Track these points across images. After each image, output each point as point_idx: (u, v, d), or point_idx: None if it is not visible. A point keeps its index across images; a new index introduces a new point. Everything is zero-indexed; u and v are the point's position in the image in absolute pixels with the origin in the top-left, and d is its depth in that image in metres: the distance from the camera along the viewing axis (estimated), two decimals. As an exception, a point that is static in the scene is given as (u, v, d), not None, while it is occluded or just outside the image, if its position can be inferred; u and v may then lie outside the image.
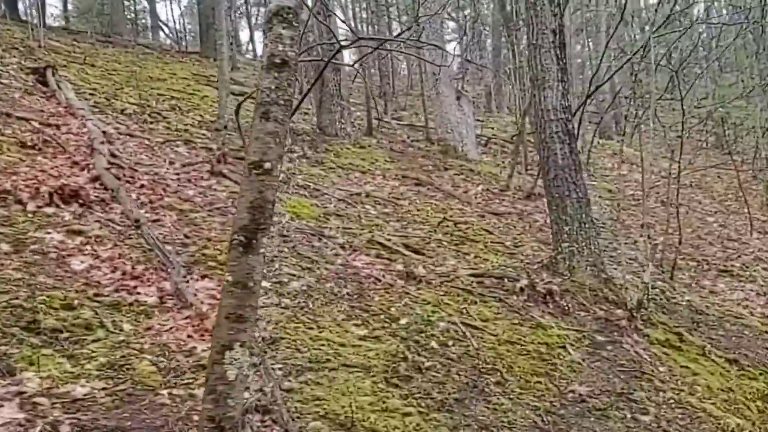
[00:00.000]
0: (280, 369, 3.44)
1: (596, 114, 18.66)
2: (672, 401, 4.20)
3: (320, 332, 3.95)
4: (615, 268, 7.19)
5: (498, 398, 3.71)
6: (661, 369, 4.61)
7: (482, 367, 4.03)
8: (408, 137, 13.61)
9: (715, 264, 8.75)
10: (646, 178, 13.69)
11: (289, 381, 3.33)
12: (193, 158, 7.56)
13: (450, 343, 4.24)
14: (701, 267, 8.62)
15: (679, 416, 4.05)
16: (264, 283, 4.48)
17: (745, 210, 11.58)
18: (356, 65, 12.03)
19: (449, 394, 3.62)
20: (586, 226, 5.85)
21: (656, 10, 9.95)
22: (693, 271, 8.41)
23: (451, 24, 27.07)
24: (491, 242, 7.07)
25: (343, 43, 6.88)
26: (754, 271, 8.83)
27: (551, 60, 5.92)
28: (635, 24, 18.54)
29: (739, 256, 9.32)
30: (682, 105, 7.28)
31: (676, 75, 7.18)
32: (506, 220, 8.43)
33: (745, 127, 15.46)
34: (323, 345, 3.79)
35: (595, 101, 18.49)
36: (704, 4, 20.05)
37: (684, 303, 6.41)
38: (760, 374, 5.12)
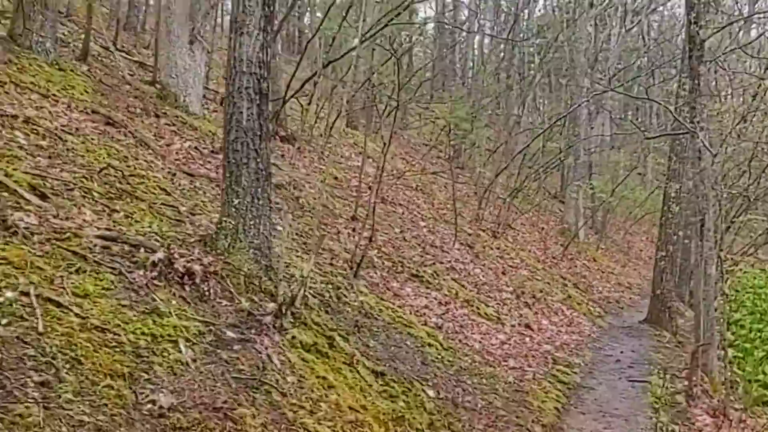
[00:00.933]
0: None
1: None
2: (283, 421, 3.52)
3: None
4: (300, 257, 6.57)
5: (27, 407, 2.66)
6: (289, 379, 3.93)
7: (35, 360, 2.95)
8: (133, 74, 11.93)
9: (409, 267, 8.62)
10: (376, 174, 13.65)
11: None
12: None
13: (5, 321, 3.09)
14: (395, 269, 8.42)
15: (283, 441, 3.37)
16: None
17: (457, 221, 11.92)
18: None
19: (-54, 396, 2.50)
20: (260, 202, 5.05)
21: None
22: (386, 272, 8.16)
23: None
24: (162, 204, 5.97)
25: None
26: (443, 279, 8.88)
27: (256, 2, 5.02)
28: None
29: (434, 264, 9.36)
30: (397, 97, 6.89)
31: (398, 62, 6.78)
32: (199, 183, 7.41)
33: (468, 141, 16.20)
34: None
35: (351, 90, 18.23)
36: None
37: (356, 304, 5.95)
38: (403, 392, 4.73)
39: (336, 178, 12.18)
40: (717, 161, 9.82)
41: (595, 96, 15.55)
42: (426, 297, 7.96)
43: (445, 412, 4.89)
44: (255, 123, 5.08)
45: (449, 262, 10.01)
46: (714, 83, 12.61)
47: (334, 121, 14.74)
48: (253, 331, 4.19)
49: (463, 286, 9.17)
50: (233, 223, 4.94)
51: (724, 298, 10.66)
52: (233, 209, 4.98)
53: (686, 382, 7.69)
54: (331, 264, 6.84)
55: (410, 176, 14.02)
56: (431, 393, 4.98)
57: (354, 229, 9.07)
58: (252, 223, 4.99)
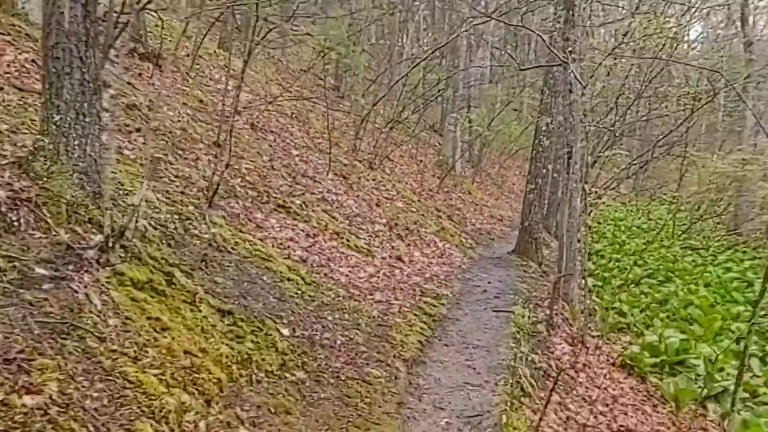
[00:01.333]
0: None
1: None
2: (97, 371, 3.03)
3: None
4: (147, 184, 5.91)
5: None
6: (111, 322, 3.42)
7: None
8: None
9: (276, 198, 8.14)
10: (251, 99, 12.89)
11: None
12: None
13: None
14: (260, 198, 7.92)
15: (94, 394, 2.89)
16: None
17: (332, 150, 11.48)
18: None
19: None
20: (87, 119, 4.37)
21: None
22: (250, 202, 7.64)
23: None
24: (-25, 121, 5.12)
25: None
26: (313, 211, 8.49)
27: None
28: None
29: (304, 194, 8.92)
30: (257, 10, 6.23)
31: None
32: (31, 99, 6.48)
33: (344, 66, 15.60)
34: None
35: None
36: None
37: (207, 236, 5.43)
38: (252, 332, 4.34)
39: (201, 101, 11.31)
40: (586, 95, 9.92)
41: (474, 26, 15.35)
42: (292, 229, 7.54)
43: (299, 351, 4.56)
44: (80, 26, 4.33)
45: (321, 192, 9.61)
46: (588, 18, 12.71)
47: (202, 39, 13.67)
48: (70, 267, 3.62)
49: (334, 217, 8.83)
50: (53, 142, 4.25)
51: (587, 230, 11.02)
52: (53, 126, 4.27)
53: (548, 312, 7.85)
54: (183, 192, 6.24)
55: (284, 102, 13.32)
56: (285, 331, 4.63)
57: (215, 156, 8.42)
58: (77, 143, 4.31)
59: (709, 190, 19.50)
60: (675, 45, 16.58)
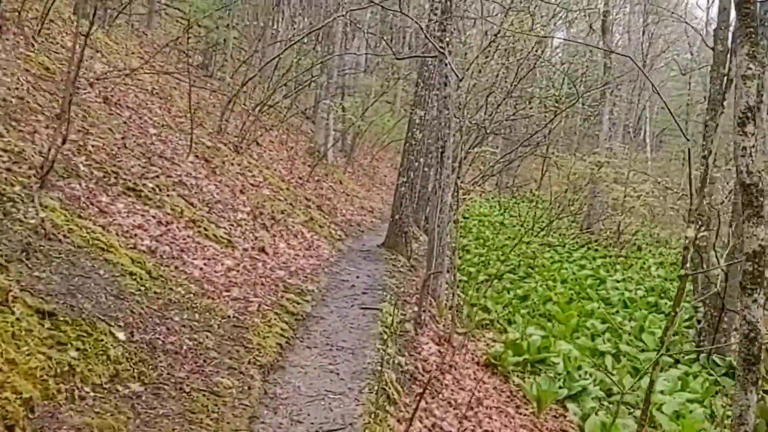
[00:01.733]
0: None
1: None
2: None
3: None
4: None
5: None
6: None
7: None
8: None
9: (125, 179, 7.33)
10: (107, 70, 11.75)
11: None
12: None
13: None
14: (107, 180, 7.08)
15: None
16: None
17: (195, 131, 10.68)
18: None
19: None
20: None
21: None
22: (94, 183, 6.80)
23: None
24: None
25: None
26: (168, 195, 7.75)
27: None
28: None
29: (159, 177, 8.14)
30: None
31: None
32: None
33: (211, 40, 14.75)
34: None
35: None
36: None
37: (33, 221, 4.65)
38: (79, 337, 3.70)
39: (47, 69, 10.11)
40: (461, 89, 9.84)
41: (351, 11, 14.98)
42: (142, 215, 6.80)
43: (137, 359, 3.95)
44: None
45: (179, 176, 8.83)
46: (464, 12, 12.71)
47: (53, 2, 12.29)
48: None
49: (191, 203, 8.12)
50: None
51: (456, 225, 11.00)
52: None
53: (416, 309, 7.65)
54: (10, 170, 5.37)
55: (144, 76, 12.28)
56: (121, 336, 4.01)
57: (56, 129, 7.45)
58: None
59: (567, 190, 20.44)
60: (543, 48, 17.13)
